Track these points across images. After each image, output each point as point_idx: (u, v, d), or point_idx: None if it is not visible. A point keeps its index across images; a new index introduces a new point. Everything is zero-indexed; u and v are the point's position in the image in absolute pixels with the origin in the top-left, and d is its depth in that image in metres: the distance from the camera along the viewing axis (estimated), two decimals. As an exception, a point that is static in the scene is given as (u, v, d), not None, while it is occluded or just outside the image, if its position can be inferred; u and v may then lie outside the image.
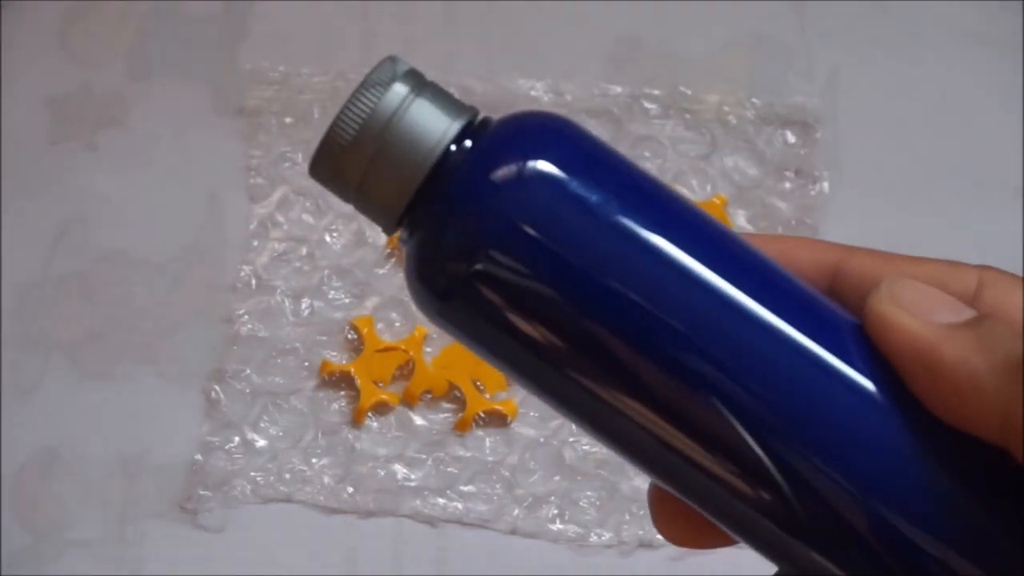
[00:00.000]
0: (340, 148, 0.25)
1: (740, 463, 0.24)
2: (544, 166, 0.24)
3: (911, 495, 0.24)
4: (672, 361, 0.24)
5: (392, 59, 0.26)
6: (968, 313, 0.23)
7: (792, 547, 0.25)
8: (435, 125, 0.25)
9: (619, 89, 0.49)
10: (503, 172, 0.24)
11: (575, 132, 0.25)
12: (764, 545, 0.26)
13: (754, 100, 0.49)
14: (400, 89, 0.25)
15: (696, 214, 0.25)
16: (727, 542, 0.28)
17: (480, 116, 0.25)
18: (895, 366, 0.24)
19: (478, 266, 0.24)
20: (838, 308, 0.25)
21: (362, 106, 0.25)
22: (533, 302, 0.24)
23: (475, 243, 0.24)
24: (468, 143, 0.25)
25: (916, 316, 0.23)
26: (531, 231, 0.24)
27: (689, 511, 0.27)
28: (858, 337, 0.24)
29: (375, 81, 0.25)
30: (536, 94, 0.49)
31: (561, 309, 0.24)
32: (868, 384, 0.24)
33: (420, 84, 0.26)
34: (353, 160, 0.25)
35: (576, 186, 0.24)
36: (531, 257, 0.24)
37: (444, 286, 0.24)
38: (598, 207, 0.24)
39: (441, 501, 0.43)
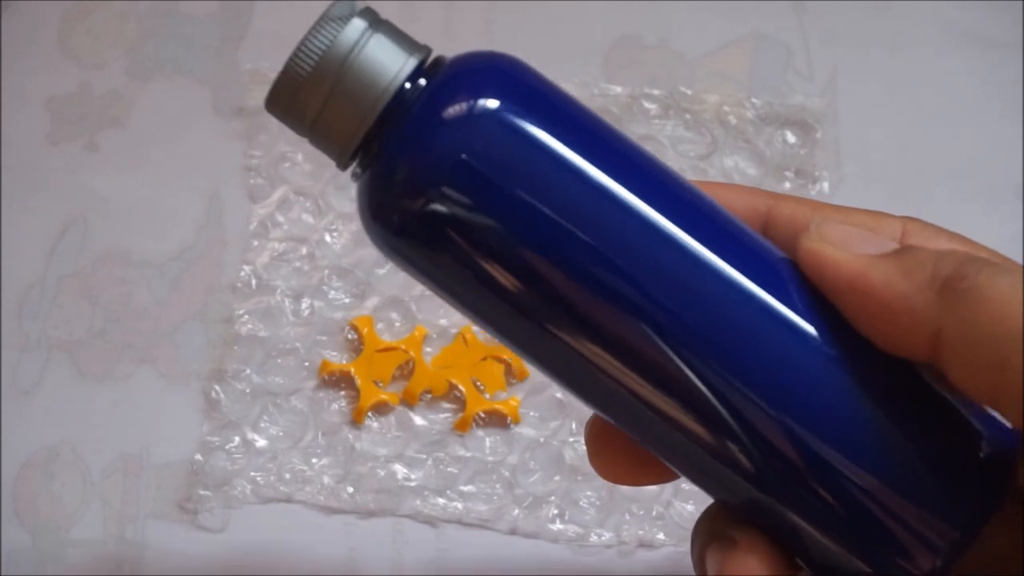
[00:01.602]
0: (297, 81, 0.25)
1: (675, 391, 0.25)
2: (491, 104, 0.25)
3: (835, 417, 0.25)
4: (611, 288, 0.25)
5: None
6: (892, 246, 0.25)
7: (726, 475, 0.26)
8: (391, 62, 0.25)
9: (619, 89, 0.49)
10: (454, 110, 0.25)
11: (522, 71, 0.26)
12: (700, 475, 0.26)
13: (754, 100, 0.49)
14: (358, 24, 0.25)
15: (638, 151, 0.26)
16: (660, 480, 0.28)
17: (433, 55, 0.26)
18: (829, 297, 0.25)
19: (429, 201, 0.25)
20: (770, 245, 0.26)
21: (320, 40, 0.25)
22: (482, 235, 0.25)
23: (428, 179, 0.25)
24: (422, 81, 0.25)
25: (845, 250, 0.25)
26: (480, 167, 0.24)
27: (625, 448, 0.28)
28: (790, 272, 0.26)
29: (333, 16, 0.25)
30: (536, 94, 0.49)
31: (508, 241, 0.25)
32: (798, 315, 0.25)
33: (376, 21, 0.26)
34: (309, 94, 0.25)
35: (521, 123, 0.25)
36: (479, 191, 0.24)
37: (397, 221, 0.25)
38: (542, 144, 0.25)
39: (441, 501, 0.43)
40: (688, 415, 0.25)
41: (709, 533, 0.27)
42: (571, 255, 0.25)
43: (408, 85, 0.25)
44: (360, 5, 0.26)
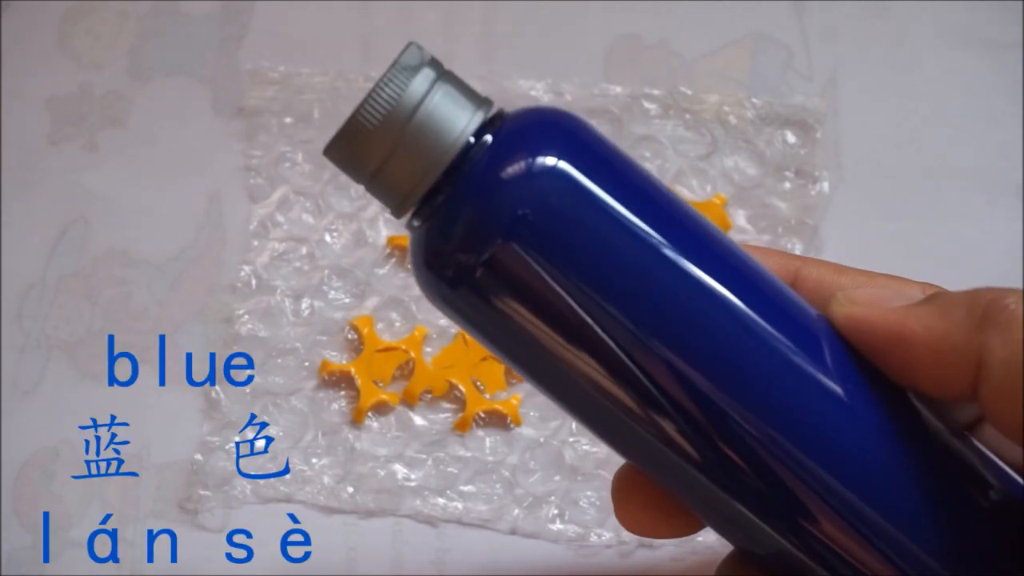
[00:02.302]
0: (364, 132, 0.25)
1: (724, 451, 0.25)
2: (552, 162, 0.25)
3: (879, 479, 0.25)
4: (658, 351, 0.25)
5: (417, 46, 0.26)
6: (920, 297, 0.26)
7: (764, 531, 0.26)
8: (457, 117, 0.25)
9: (619, 89, 0.49)
10: (516, 168, 0.25)
11: (583, 131, 0.26)
12: (732, 527, 0.27)
13: (754, 100, 0.49)
14: (427, 75, 0.25)
15: (689, 213, 0.26)
16: (683, 532, 0.29)
17: (494, 109, 0.26)
18: (870, 357, 0.26)
19: (487, 257, 0.25)
20: (812, 310, 0.27)
21: (391, 91, 0.25)
22: (539, 291, 0.25)
23: (487, 234, 0.25)
24: (487, 138, 0.25)
25: (878, 307, 0.26)
26: (540, 224, 0.25)
27: (650, 501, 0.28)
28: (831, 335, 0.26)
29: (404, 65, 0.25)
30: (536, 94, 0.49)
31: (564, 300, 0.25)
32: (839, 378, 0.26)
33: (441, 71, 0.26)
34: (375, 145, 0.25)
35: (584, 185, 0.25)
36: (538, 248, 0.25)
37: (453, 274, 0.25)
38: (603, 208, 0.25)
39: (441, 501, 0.43)
40: (734, 475, 0.26)
41: None
42: (621, 313, 0.25)
43: (472, 140, 0.25)
44: (428, 54, 0.26)
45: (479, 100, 0.26)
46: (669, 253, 0.25)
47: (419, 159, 0.25)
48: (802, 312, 0.26)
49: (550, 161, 0.25)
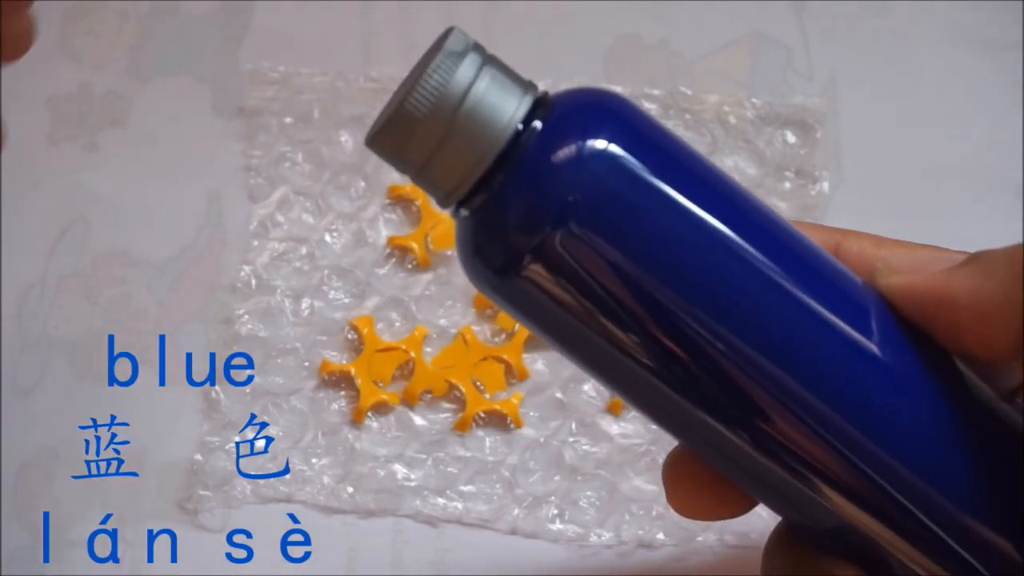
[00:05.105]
0: (413, 123, 0.25)
1: (790, 430, 0.25)
2: (606, 147, 0.25)
3: (942, 455, 0.26)
4: (720, 332, 0.25)
5: (459, 30, 0.26)
6: (960, 258, 0.26)
7: (817, 505, 0.26)
8: (505, 103, 0.25)
9: (619, 89, 0.49)
10: (570, 153, 0.25)
11: (631, 111, 0.26)
12: (790, 505, 0.27)
13: (754, 100, 0.49)
14: (473, 62, 0.25)
15: (740, 192, 0.27)
16: (736, 512, 0.29)
17: (540, 91, 0.26)
18: (920, 324, 0.26)
19: (546, 243, 0.25)
20: (859, 281, 0.27)
21: (438, 79, 0.25)
22: (602, 276, 0.25)
23: (544, 221, 0.25)
24: (537, 124, 0.25)
25: (920, 273, 0.26)
26: (592, 208, 0.24)
27: (703, 485, 0.28)
28: (879, 306, 0.26)
29: (450, 50, 0.25)
30: (536, 94, 0.49)
31: (628, 284, 0.25)
32: (890, 345, 0.26)
33: (485, 55, 0.26)
34: (425, 136, 0.25)
35: (638, 166, 0.25)
36: (599, 232, 0.25)
37: (507, 262, 0.25)
38: (658, 189, 0.25)
39: (441, 501, 0.43)
40: (800, 455, 0.26)
41: (798, 565, 0.27)
42: (683, 294, 0.25)
43: (521, 126, 0.25)
44: (471, 38, 0.25)
45: (525, 84, 0.26)
46: (725, 231, 0.25)
47: (470, 149, 0.25)
48: (853, 286, 0.27)
49: (602, 144, 0.25)
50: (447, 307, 0.46)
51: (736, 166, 0.48)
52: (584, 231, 0.24)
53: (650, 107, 0.49)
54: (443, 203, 0.26)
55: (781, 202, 0.48)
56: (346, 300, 0.46)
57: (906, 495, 0.25)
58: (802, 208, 0.47)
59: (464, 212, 0.26)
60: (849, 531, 0.26)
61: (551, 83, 0.49)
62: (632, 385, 0.26)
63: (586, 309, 0.25)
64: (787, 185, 0.48)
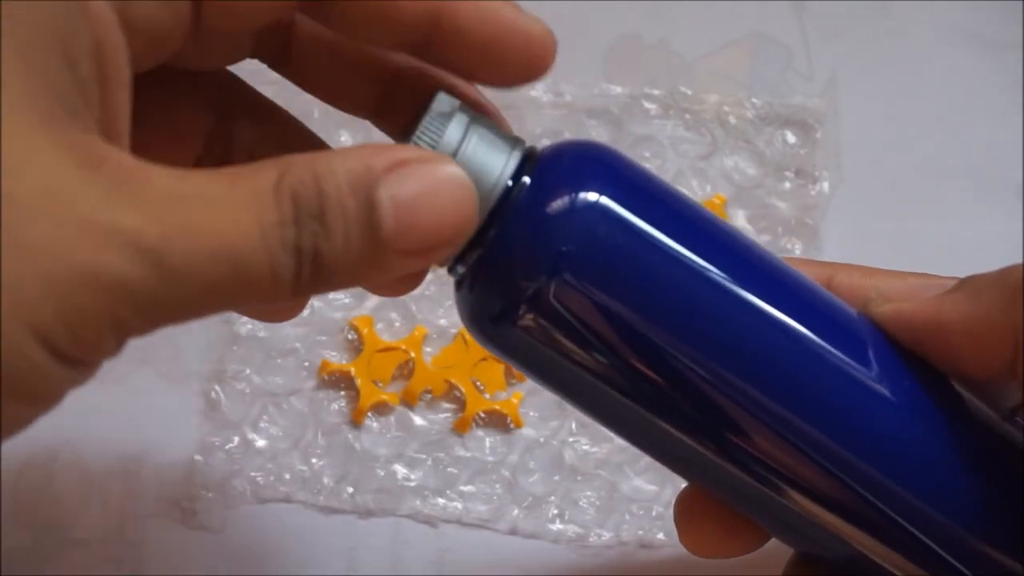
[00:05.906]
0: None
1: (794, 465, 0.26)
2: (596, 199, 0.25)
3: (928, 467, 0.26)
4: (716, 374, 0.25)
5: (444, 91, 0.26)
6: (951, 284, 0.27)
7: (829, 536, 0.27)
8: (494, 160, 0.26)
9: (619, 89, 0.49)
10: (560, 205, 0.25)
11: (617, 160, 0.27)
12: (803, 539, 0.27)
13: (754, 100, 0.49)
14: (460, 122, 0.25)
15: (735, 236, 0.27)
16: (749, 547, 0.29)
17: (527, 146, 0.26)
18: (916, 350, 0.27)
19: (542, 294, 0.25)
20: (854, 312, 0.27)
21: (428, 141, 0.25)
22: (599, 324, 0.25)
23: (539, 272, 0.25)
24: (526, 179, 0.26)
25: (912, 300, 0.27)
26: (591, 258, 0.25)
27: (715, 524, 0.28)
28: (875, 336, 0.27)
29: (438, 112, 0.25)
30: (536, 94, 0.49)
31: (626, 329, 0.25)
32: (888, 374, 0.26)
33: (473, 117, 0.26)
34: None
35: (628, 215, 0.26)
36: (592, 281, 0.25)
37: (507, 316, 0.26)
38: (648, 236, 0.25)
39: (441, 501, 0.43)
40: (807, 487, 0.26)
41: None
42: (674, 341, 0.25)
43: (511, 182, 0.25)
44: (456, 99, 0.26)
45: (512, 140, 0.26)
46: (720, 275, 0.25)
47: None
48: (849, 318, 0.27)
49: (592, 195, 0.25)
50: (447, 307, 0.46)
51: (736, 166, 0.48)
52: (578, 280, 0.25)
53: (650, 107, 0.49)
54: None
55: (781, 202, 0.48)
56: (346, 300, 0.46)
57: (914, 521, 0.26)
58: (802, 208, 0.47)
59: (460, 269, 0.26)
60: (860, 559, 0.26)
61: (551, 83, 0.50)
62: (636, 428, 0.27)
63: (584, 356, 0.26)
64: (787, 185, 0.48)
